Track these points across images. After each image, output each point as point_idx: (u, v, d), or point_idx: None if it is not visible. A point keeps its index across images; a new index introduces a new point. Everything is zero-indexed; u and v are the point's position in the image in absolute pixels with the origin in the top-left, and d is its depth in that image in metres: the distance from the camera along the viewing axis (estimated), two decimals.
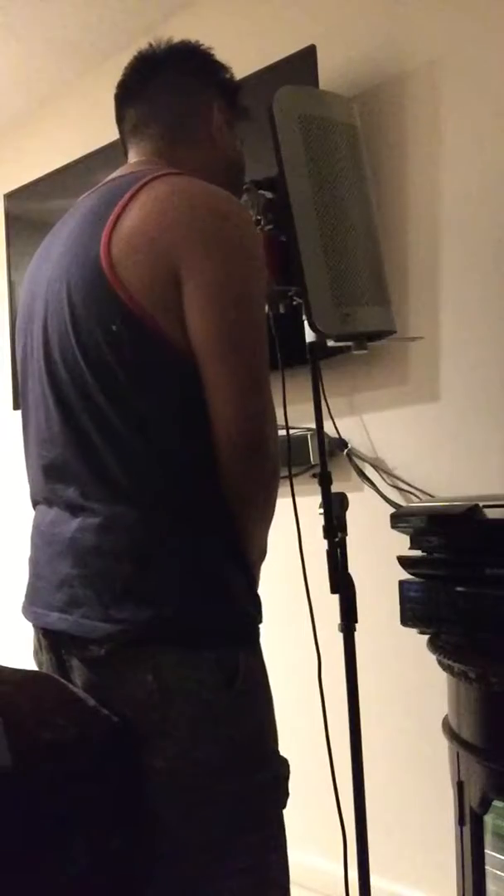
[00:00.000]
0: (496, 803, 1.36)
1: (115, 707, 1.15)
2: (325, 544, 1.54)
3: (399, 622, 1.47)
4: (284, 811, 1.20)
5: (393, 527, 1.49)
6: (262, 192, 1.44)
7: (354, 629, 1.55)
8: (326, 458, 1.61)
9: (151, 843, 1.14)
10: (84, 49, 2.77)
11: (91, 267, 1.14)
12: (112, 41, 2.67)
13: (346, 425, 2.14)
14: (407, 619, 1.46)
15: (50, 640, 1.25)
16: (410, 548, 1.48)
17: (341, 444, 2.16)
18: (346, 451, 2.19)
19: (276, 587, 1.67)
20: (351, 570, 1.55)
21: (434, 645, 1.44)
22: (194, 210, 1.13)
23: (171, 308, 1.11)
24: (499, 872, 1.41)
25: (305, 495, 1.55)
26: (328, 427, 1.68)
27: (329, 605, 1.53)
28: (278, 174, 1.42)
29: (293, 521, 1.52)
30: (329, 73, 2.15)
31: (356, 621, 1.55)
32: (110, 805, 1.13)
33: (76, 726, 1.12)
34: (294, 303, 1.46)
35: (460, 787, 1.42)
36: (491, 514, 1.37)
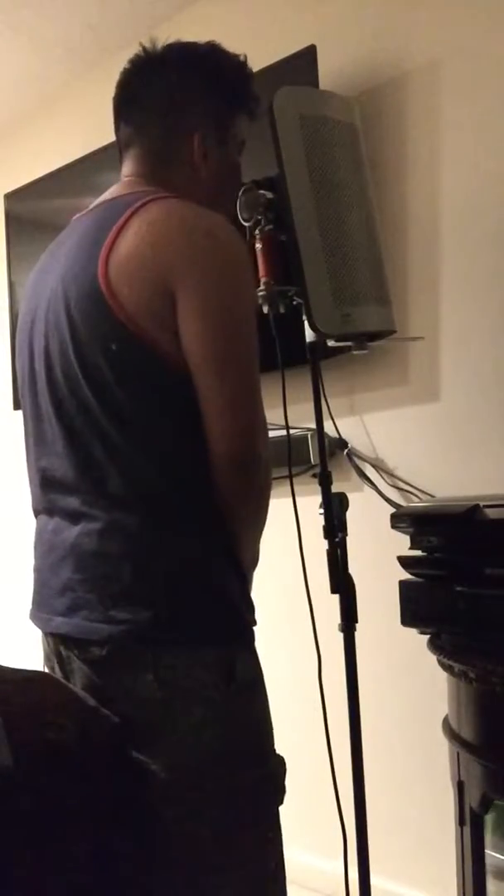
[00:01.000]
0: (496, 803, 1.36)
1: (115, 707, 1.17)
2: (325, 544, 1.54)
3: (399, 622, 1.47)
4: (284, 810, 1.21)
5: (393, 527, 1.49)
6: (262, 192, 1.44)
7: (354, 629, 1.55)
8: (326, 458, 1.61)
9: (152, 842, 1.14)
10: (84, 49, 2.77)
11: (89, 289, 1.18)
12: (112, 41, 2.66)
13: (346, 425, 2.14)
14: (407, 619, 1.46)
15: (56, 644, 1.27)
16: (410, 548, 1.47)
17: (341, 444, 2.16)
18: (346, 451, 2.18)
19: (277, 587, 1.67)
20: (351, 570, 1.54)
21: (434, 645, 1.44)
22: (188, 233, 1.17)
23: (167, 327, 1.15)
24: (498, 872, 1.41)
25: (305, 495, 1.55)
26: (328, 427, 1.68)
27: (329, 605, 1.53)
28: (278, 174, 1.42)
29: (293, 521, 1.52)
30: (329, 73, 2.15)
31: (356, 621, 1.55)
32: (110, 805, 1.14)
33: (76, 726, 1.12)
34: (294, 303, 1.46)
35: (460, 787, 1.42)
36: (491, 514, 1.37)
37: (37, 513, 1.34)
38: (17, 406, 2.94)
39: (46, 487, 1.28)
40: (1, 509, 3.18)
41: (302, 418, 1.71)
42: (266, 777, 1.19)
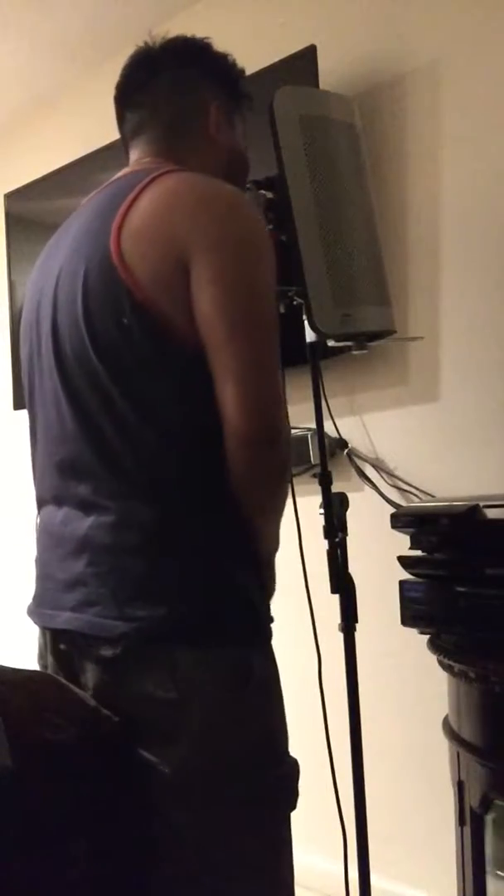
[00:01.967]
0: (496, 803, 1.36)
1: (126, 705, 1.14)
2: (325, 544, 1.54)
3: (399, 622, 1.47)
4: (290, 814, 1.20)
5: (393, 527, 1.49)
6: (262, 192, 1.44)
7: (354, 629, 1.55)
8: (327, 458, 1.62)
9: (155, 844, 1.13)
10: (84, 49, 2.77)
11: (101, 260, 1.15)
12: (112, 41, 2.66)
13: (346, 425, 2.14)
14: (407, 619, 1.46)
15: (59, 641, 1.23)
16: (410, 548, 1.48)
17: (341, 444, 2.16)
18: (346, 451, 2.19)
19: (277, 587, 1.67)
20: (351, 570, 1.55)
21: (434, 645, 1.44)
22: (202, 202, 1.14)
23: (179, 299, 1.11)
24: (499, 872, 1.41)
25: (306, 495, 1.55)
26: (328, 427, 1.68)
27: (329, 605, 1.53)
28: (278, 174, 1.42)
29: (293, 521, 1.52)
30: (329, 73, 2.15)
31: (356, 621, 1.55)
32: (111, 805, 1.13)
33: (76, 726, 1.12)
34: (294, 303, 1.46)
35: (460, 787, 1.42)
36: (491, 514, 1.37)
37: (43, 503, 1.30)
38: (17, 406, 2.94)
39: (57, 474, 1.24)
40: (1, 509, 3.18)
41: (302, 418, 1.71)
42: (278, 780, 1.17)
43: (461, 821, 1.43)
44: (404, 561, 1.47)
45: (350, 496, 1.56)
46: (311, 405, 1.61)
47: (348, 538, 1.55)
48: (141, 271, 1.11)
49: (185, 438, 1.14)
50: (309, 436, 2.09)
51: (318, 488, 1.55)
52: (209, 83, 1.32)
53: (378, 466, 2.15)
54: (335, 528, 1.54)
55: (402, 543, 1.48)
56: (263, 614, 1.19)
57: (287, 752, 1.20)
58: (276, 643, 1.19)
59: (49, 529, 1.27)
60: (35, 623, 1.28)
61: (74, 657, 1.21)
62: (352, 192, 1.48)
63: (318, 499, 1.55)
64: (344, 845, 1.55)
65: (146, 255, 1.12)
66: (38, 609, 1.26)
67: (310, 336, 1.51)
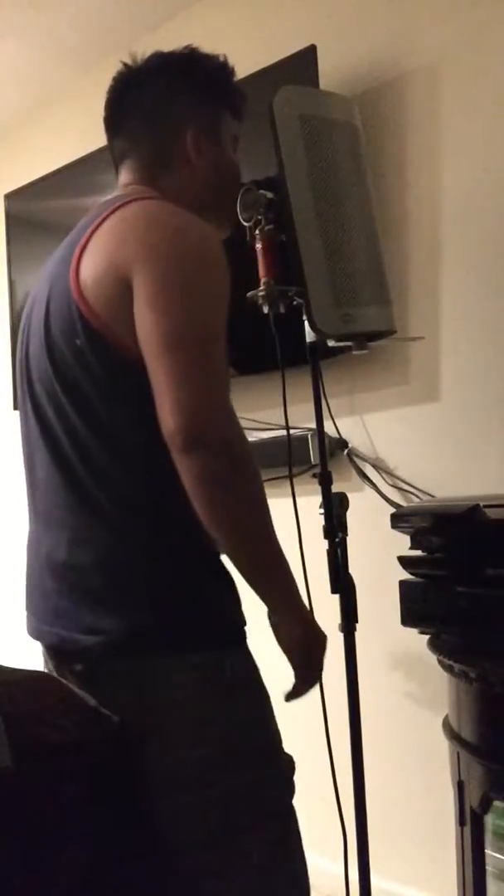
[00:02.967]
0: (496, 803, 1.36)
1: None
2: (325, 544, 1.54)
3: (399, 622, 1.47)
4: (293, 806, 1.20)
5: (393, 527, 1.49)
6: (262, 192, 1.44)
7: (355, 629, 1.55)
8: (327, 458, 1.62)
9: (152, 843, 1.14)
10: (84, 49, 2.77)
11: (62, 288, 1.19)
12: (112, 41, 2.66)
13: (346, 425, 2.14)
14: (407, 619, 1.46)
15: (47, 651, 1.28)
16: (410, 548, 1.47)
17: (342, 444, 2.16)
18: (346, 451, 2.18)
19: None
20: (351, 570, 1.55)
21: (434, 645, 1.44)
22: (151, 226, 1.16)
23: (129, 320, 1.12)
24: (499, 872, 1.41)
25: (306, 495, 1.55)
26: (328, 427, 1.68)
27: (329, 605, 1.53)
28: (278, 174, 1.42)
29: (293, 521, 1.52)
30: (329, 73, 2.15)
31: (356, 621, 1.55)
32: (110, 805, 1.13)
33: (76, 726, 1.12)
34: (294, 303, 1.46)
35: (460, 787, 1.42)
36: (491, 514, 1.37)
37: (28, 518, 1.35)
38: (17, 406, 2.94)
39: (32, 492, 1.30)
40: (1, 509, 3.18)
41: (302, 418, 1.71)
42: (266, 777, 1.18)
43: (461, 821, 1.43)
44: (404, 561, 1.47)
45: (350, 496, 1.56)
46: (311, 405, 1.61)
47: (348, 538, 1.55)
48: (95, 298, 1.14)
49: (144, 460, 1.16)
50: (309, 436, 2.09)
51: (318, 488, 1.55)
52: (191, 97, 1.33)
53: (378, 466, 2.15)
54: (335, 528, 1.54)
55: (402, 543, 1.48)
56: (234, 617, 1.20)
57: (276, 749, 1.21)
58: (267, 642, 1.19)
59: (30, 544, 1.32)
60: (28, 633, 1.31)
61: (56, 667, 1.26)
62: (352, 193, 1.48)
63: (318, 499, 1.55)
64: (344, 845, 1.55)
65: (99, 281, 1.15)
66: (30, 618, 1.30)
67: (310, 336, 1.51)
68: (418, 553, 1.47)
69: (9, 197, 3.09)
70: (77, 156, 2.75)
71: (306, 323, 1.44)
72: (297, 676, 1.21)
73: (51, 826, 1.07)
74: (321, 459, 1.61)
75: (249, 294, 1.44)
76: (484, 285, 1.97)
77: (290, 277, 1.42)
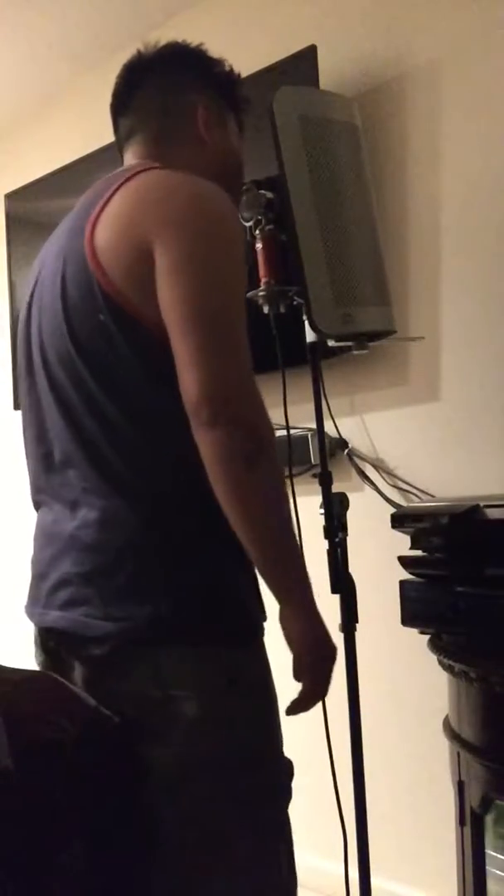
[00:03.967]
0: (497, 803, 1.36)
1: (115, 705, 1.14)
2: (325, 544, 1.54)
3: (399, 622, 1.47)
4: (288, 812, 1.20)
5: (393, 527, 1.49)
6: (262, 192, 1.44)
7: (355, 629, 1.55)
8: (327, 458, 1.62)
9: (152, 843, 1.14)
10: (84, 49, 2.77)
11: (77, 258, 1.16)
12: (112, 41, 2.66)
13: (346, 425, 2.14)
14: (407, 619, 1.46)
15: (50, 639, 1.24)
16: (411, 548, 1.47)
17: (342, 443, 2.16)
18: (346, 450, 2.19)
19: None
20: (351, 570, 1.55)
21: (434, 645, 1.44)
22: (167, 194, 1.15)
23: (148, 290, 1.11)
24: (499, 872, 1.41)
25: (306, 495, 1.55)
26: (329, 427, 1.68)
27: (329, 605, 1.53)
28: (278, 174, 1.42)
29: (293, 521, 1.52)
30: (329, 73, 2.15)
31: (356, 621, 1.55)
32: (110, 804, 1.13)
33: (76, 726, 1.12)
34: (294, 303, 1.46)
35: (461, 787, 1.42)
36: (491, 514, 1.37)
37: (38, 504, 1.31)
38: (17, 406, 2.94)
39: (47, 474, 1.25)
40: (1, 509, 3.18)
41: (302, 418, 1.71)
42: (268, 781, 1.17)
43: (461, 821, 1.43)
44: (404, 561, 1.47)
45: (350, 496, 1.56)
46: (312, 405, 1.61)
47: (348, 538, 1.55)
48: (112, 266, 1.12)
49: (169, 435, 1.13)
50: (309, 436, 2.09)
51: (319, 488, 1.55)
52: (199, 86, 1.33)
53: (378, 466, 2.15)
54: (335, 528, 1.54)
55: (402, 543, 1.48)
56: (254, 613, 1.18)
57: (278, 753, 1.20)
58: (276, 644, 1.19)
59: (42, 529, 1.28)
60: (31, 621, 1.29)
61: (63, 655, 1.22)
62: (352, 192, 1.48)
63: (318, 499, 1.55)
64: (344, 845, 1.55)
65: (117, 249, 1.13)
66: (33, 608, 1.27)
67: (310, 336, 1.51)
68: (418, 553, 1.47)
69: (9, 197, 3.09)
70: (77, 156, 2.75)
71: (306, 323, 1.44)
72: (304, 684, 1.17)
73: (50, 825, 1.07)
74: (321, 459, 1.61)
75: (250, 294, 1.44)
76: (484, 285, 1.97)
77: (291, 277, 1.42)
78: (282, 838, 1.19)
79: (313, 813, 1.69)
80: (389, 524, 1.49)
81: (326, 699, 1.46)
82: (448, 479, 2.02)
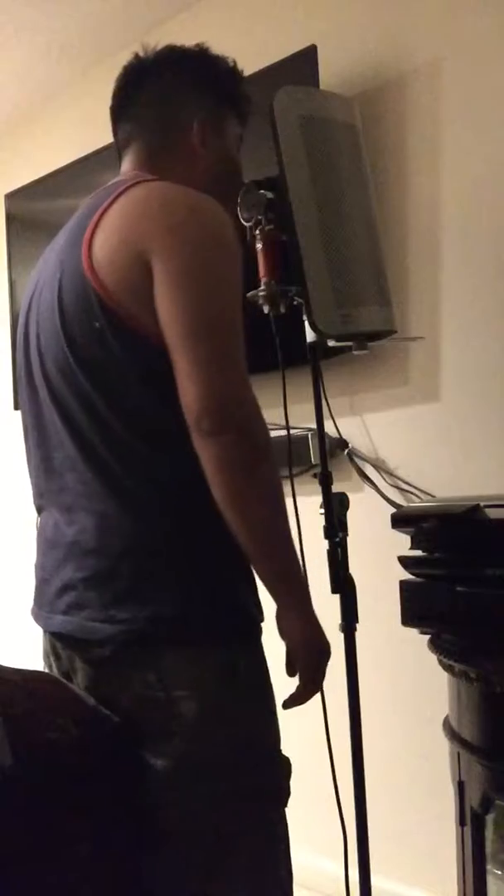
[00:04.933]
0: (497, 803, 1.36)
1: (118, 707, 1.16)
2: (325, 544, 1.54)
3: (399, 622, 1.47)
4: (285, 811, 1.20)
5: (393, 527, 1.49)
6: (262, 192, 1.44)
7: (355, 629, 1.55)
8: (327, 458, 1.61)
9: (152, 843, 1.14)
10: (84, 49, 2.77)
11: (74, 268, 1.18)
12: (112, 41, 2.66)
13: (346, 425, 2.14)
14: (407, 619, 1.46)
15: (56, 642, 1.26)
16: (411, 548, 1.47)
17: (342, 444, 2.16)
18: (346, 451, 2.18)
19: None
20: (351, 570, 1.54)
21: (434, 645, 1.44)
22: (164, 207, 1.17)
23: (146, 302, 1.13)
24: (499, 872, 1.41)
25: (306, 495, 1.55)
26: (329, 427, 1.68)
27: (329, 605, 1.53)
28: (278, 174, 1.42)
29: (293, 522, 1.52)
30: (329, 73, 2.15)
31: (357, 621, 1.55)
32: (111, 804, 1.14)
33: (76, 726, 1.12)
34: (294, 303, 1.46)
35: (461, 787, 1.42)
36: (491, 514, 1.37)
37: (39, 509, 1.32)
38: (17, 406, 2.94)
39: (49, 479, 1.27)
40: (1, 508, 3.18)
41: (302, 418, 1.71)
42: (268, 780, 1.18)
43: (461, 821, 1.43)
44: (404, 561, 1.47)
45: (350, 496, 1.56)
46: (312, 405, 1.61)
47: (349, 538, 1.55)
48: (109, 277, 1.14)
49: (167, 440, 1.15)
50: (309, 436, 2.09)
51: (319, 488, 1.55)
52: (198, 93, 1.34)
53: (378, 466, 2.15)
54: (335, 528, 1.53)
55: (402, 543, 1.48)
56: (252, 613, 1.20)
57: (277, 752, 1.21)
58: (277, 643, 1.19)
59: (45, 534, 1.29)
60: (38, 625, 1.30)
61: (68, 659, 1.24)
62: (352, 192, 1.48)
63: (318, 499, 1.55)
64: (344, 845, 1.55)
65: (114, 261, 1.14)
66: (39, 611, 1.29)
67: (310, 336, 1.51)
68: (418, 553, 1.47)
69: (9, 197, 3.09)
70: (77, 156, 2.75)
71: (306, 323, 1.44)
72: (301, 678, 1.20)
73: (50, 825, 1.07)
74: (321, 459, 1.61)
75: (250, 294, 1.44)
76: (484, 285, 1.97)
77: (291, 277, 1.42)
78: (280, 837, 1.20)
79: (313, 812, 1.69)
80: (389, 524, 1.49)
81: (326, 699, 1.47)
82: (448, 479, 2.02)
